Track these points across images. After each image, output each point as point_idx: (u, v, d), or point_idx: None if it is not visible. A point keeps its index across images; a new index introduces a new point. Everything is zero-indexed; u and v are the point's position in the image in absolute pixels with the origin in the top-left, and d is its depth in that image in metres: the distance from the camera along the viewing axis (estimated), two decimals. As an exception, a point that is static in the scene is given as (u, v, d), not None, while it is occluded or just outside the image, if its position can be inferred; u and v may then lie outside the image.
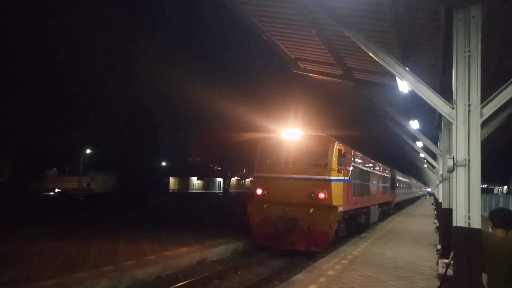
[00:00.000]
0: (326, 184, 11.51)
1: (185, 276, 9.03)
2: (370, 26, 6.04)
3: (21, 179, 44.19)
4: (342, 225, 12.41)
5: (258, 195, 12.38)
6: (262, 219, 11.83)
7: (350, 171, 13.43)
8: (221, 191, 66.38)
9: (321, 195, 11.41)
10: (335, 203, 11.52)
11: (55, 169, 56.32)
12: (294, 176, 11.86)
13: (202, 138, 48.75)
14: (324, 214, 11.23)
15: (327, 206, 11.36)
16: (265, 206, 11.88)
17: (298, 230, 11.29)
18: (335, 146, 12.00)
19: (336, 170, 11.83)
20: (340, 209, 11.87)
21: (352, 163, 13.90)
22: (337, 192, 11.81)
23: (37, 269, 7.99)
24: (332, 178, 11.60)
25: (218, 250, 11.35)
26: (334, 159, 11.79)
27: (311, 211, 11.24)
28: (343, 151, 12.44)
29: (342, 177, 12.33)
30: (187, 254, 10.21)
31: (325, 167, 11.76)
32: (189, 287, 8.11)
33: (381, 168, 21.80)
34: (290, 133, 12.27)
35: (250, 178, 57.72)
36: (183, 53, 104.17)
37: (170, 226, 15.66)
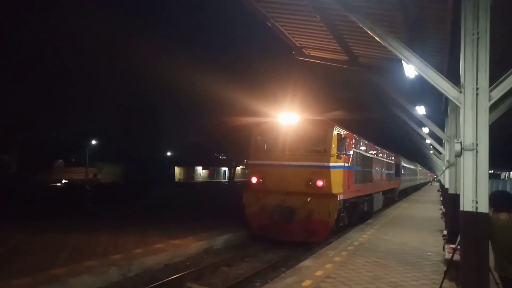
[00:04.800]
0: (324, 171, 10.97)
1: (193, 263, 9.16)
2: (376, 10, 5.93)
3: (28, 171, 44.69)
4: (342, 214, 11.95)
5: (254, 183, 11.91)
6: (258, 209, 11.39)
7: (351, 157, 12.85)
8: (226, 180, 66.70)
9: (320, 183, 10.90)
10: (334, 191, 11.04)
11: (61, 160, 56.84)
12: (291, 163, 11.32)
13: (206, 126, 48.79)
14: (322, 203, 10.72)
15: (326, 194, 10.86)
16: (260, 195, 11.47)
17: (296, 219, 10.82)
18: (334, 131, 11.42)
19: (336, 156, 11.26)
20: (340, 197, 11.37)
21: (354, 149, 13.32)
22: (336, 180, 11.29)
23: (48, 258, 8.12)
24: (331, 164, 11.05)
25: (224, 238, 11.45)
26: (333, 144, 11.21)
27: (309, 200, 10.73)
28: (343, 136, 11.90)
29: (342, 164, 11.77)
30: (194, 242, 10.32)
31: (323, 153, 11.20)
32: (197, 275, 8.22)
33: (385, 154, 21.55)
34: (286, 117, 11.60)
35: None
36: (185, 41, 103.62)
37: (176, 215, 15.81)
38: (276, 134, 11.85)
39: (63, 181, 48.54)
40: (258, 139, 12.45)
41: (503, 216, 3.89)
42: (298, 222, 10.84)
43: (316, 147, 11.52)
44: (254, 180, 11.97)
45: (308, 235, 10.84)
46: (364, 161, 15.31)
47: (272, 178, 11.57)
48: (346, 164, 12.26)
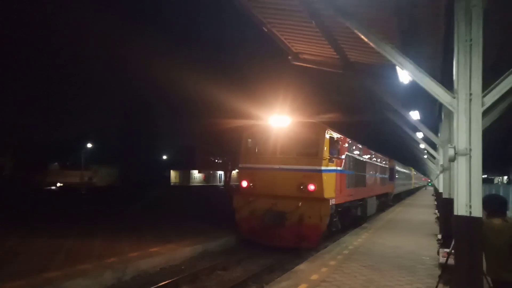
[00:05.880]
0: (316, 175, 10.69)
1: (188, 267, 9.14)
2: (371, 16, 6.00)
3: (23, 173, 44.39)
4: (335, 219, 11.72)
5: (244, 187, 11.63)
6: (248, 213, 11.15)
7: (344, 161, 12.63)
8: (222, 184, 66.50)
9: (311, 187, 10.64)
10: (326, 195, 10.76)
11: (56, 163, 56.53)
12: (282, 166, 11.06)
13: (202, 129, 48.62)
14: (314, 208, 10.46)
15: (318, 199, 10.59)
16: (251, 199, 11.20)
17: (287, 224, 10.57)
18: (327, 134, 11.13)
19: (328, 160, 10.97)
20: (332, 201, 11.10)
21: (346, 152, 13.11)
22: (328, 184, 11.02)
23: (43, 261, 8.07)
24: (323, 168, 10.74)
25: (220, 242, 11.43)
26: (325, 147, 10.92)
27: (300, 205, 10.50)
28: (335, 139, 11.70)
29: (334, 167, 11.47)
30: (190, 246, 10.30)
31: (315, 156, 10.90)
32: (192, 278, 8.20)
33: (379, 158, 21.49)
34: (277, 120, 11.36)
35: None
36: (181, 44, 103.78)
37: (172, 218, 15.75)
38: (267, 137, 11.64)
39: (58, 184, 48.18)
40: (249, 142, 12.24)
41: (496, 221, 3.93)
42: (289, 227, 10.60)
43: (308, 150, 11.24)
44: (244, 184, 11.71)
45: (299, 241, 10.60)
46: (358, 165, 15.10)
47: (262, 182, 11.33)
48: (339, 168, 12.03)
